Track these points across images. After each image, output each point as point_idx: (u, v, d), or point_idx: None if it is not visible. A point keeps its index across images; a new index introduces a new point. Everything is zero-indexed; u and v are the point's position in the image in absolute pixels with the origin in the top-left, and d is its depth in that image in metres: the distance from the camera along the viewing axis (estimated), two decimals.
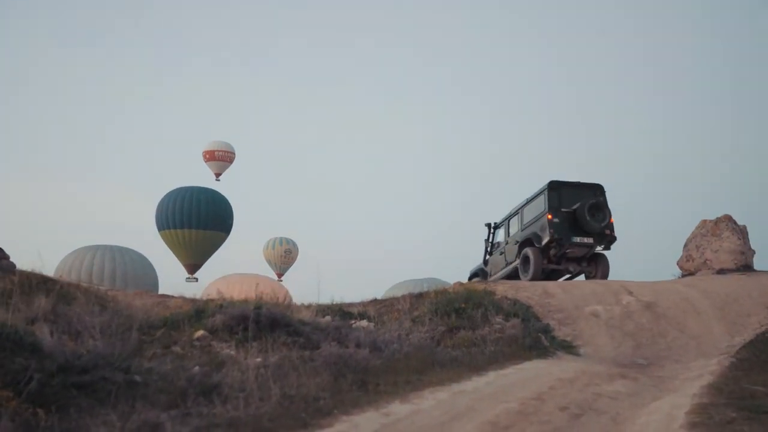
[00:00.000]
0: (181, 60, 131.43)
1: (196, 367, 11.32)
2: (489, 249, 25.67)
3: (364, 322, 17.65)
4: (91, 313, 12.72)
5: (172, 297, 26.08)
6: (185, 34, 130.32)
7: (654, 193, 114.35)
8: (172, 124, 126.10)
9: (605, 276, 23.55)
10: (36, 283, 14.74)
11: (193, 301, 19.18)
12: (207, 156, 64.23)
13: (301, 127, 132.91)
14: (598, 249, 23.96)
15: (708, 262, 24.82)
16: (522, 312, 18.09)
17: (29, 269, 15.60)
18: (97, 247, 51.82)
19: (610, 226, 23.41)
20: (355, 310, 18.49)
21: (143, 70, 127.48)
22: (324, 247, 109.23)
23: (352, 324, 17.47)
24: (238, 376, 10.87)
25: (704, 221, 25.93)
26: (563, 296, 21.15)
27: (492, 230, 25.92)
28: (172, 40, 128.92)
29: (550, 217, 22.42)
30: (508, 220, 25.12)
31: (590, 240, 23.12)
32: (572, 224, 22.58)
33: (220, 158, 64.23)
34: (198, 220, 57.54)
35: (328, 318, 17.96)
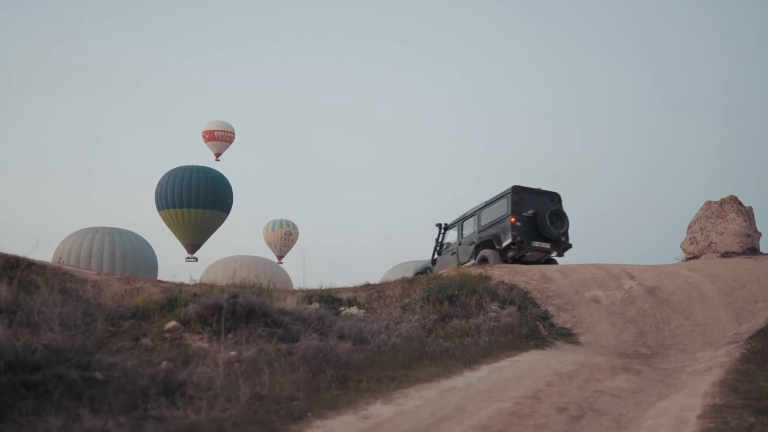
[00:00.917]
0: (181, 40, 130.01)
1: (164, 362, 10.26)
2: (438, 248, 25.89)
3: (353, 309, 16.63)
4: (52, 303, 11.57)
5: (167, 282, 25.19)
6: (184, 13, 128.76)
7: (656, 173, 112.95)
8: (172, 105, 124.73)
9: None
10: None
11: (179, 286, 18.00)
12: (206, 136, 63.23)
13: (302, 109, 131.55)
14: (553, 255, 24.50)
15: (713, 244, 23.82)
16: (519, 299, 17.07)
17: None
18: (96, 229, 51.15)
19: (567, 234, 24.04)
20: (344, 296, 17.40)
21: (142, 51, 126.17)
22: (325, 229, 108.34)
23: (341, 311, 16.48)
24: (206, 373, 9.78)
25: (709, 202, 24.92)
26: (562, 281, 20.15)
27: (442, 231, 26.20)
28: (172, 19, 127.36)
29: (513, 220, 22.77)
30: (462, 222, 25.36)
31: (548, 245, 23.59)
32: (533, 229, 23.00)
33: (220, 138, 63.19)
34: (197, 200, 56.55)
35: (315, 305, 16.95)
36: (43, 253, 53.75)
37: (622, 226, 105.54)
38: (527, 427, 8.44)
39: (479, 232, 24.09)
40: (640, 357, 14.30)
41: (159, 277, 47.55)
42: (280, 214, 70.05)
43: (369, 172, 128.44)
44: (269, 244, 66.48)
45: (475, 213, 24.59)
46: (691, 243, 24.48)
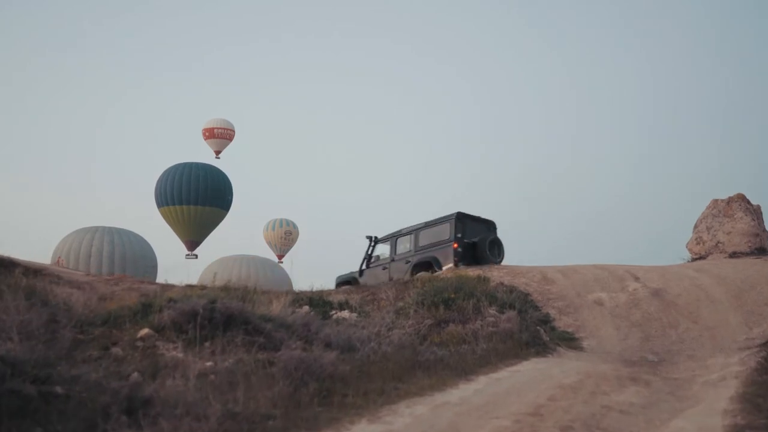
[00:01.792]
0: (181, 39, 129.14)
1: (135, 374, 9.32)
2: (367, 261, 25.62)
3: (345, 313, 15.68)
4: (14, 310, 10.58)
5: (156, 284, 24.24)
6: (184, 13, 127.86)
7: (660, 170, 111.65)
8: (172, 104, 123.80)
9: None
10: None
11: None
12: (206, 134, 62.34)
13: (303, 108, 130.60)
14: None
15: (720, 244, 22.81)
16: (519, 302, 16.01)
17: None
18: (95, 229, 50.47)
19: (502, 261, 23.94)
20: (336, 299, 16.41)
21: (142, 50, 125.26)
22: (325, 228, 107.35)
23: (332, 315, 15.51)
24: (177, 387, 8.78)
25: (715, 201, 23.91)
26: (564, 282, 19.21)
27: (373, 244, 25.92)
28: (172, 18, 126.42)
29: (456, 246, 22.94)
30: (396, 239, 25.21)
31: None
32: (471, 255, 23.19)
33: (220, 135, 62.26)
34: (197, 197, 55.73)
35: (306, 308, 15.99)
36: (43, 253, 53.12)
37: (625, 225, 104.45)
38: None
39: (416, 252, 24.18)
40: (647, 364, 13.34)
41: (159, 276, 47.13)
42: (281, 213, 69.31)
43: (368, 171, 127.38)
44: (269, 243, 65.82)
45: (413, 232, 24.69)
46: (698, 243, 23.49)
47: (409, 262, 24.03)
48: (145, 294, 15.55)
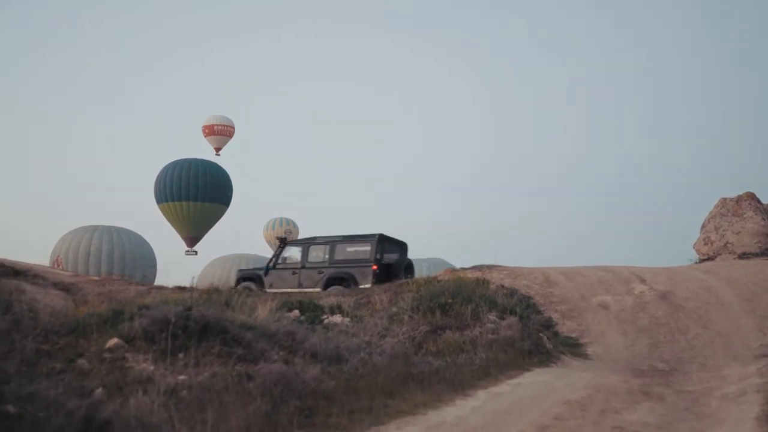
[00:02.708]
0: (182, 37, 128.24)
1: (99, 390, 8.33)
2: (276, 262, 25.27)
3: (337, 318, 14.67)
4: None
5: (146, 285, 23.30)
6: (184, 13, 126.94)
7: (665, 168, 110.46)
8: (173, 102, 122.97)
9: None
10: None
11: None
12: (206, 131, 61.66)
13: (303, 107, 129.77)
14: None
15: (729, 245, 21.81)
16: (521, 307, 14.95)
17: None
18: (95, 228, 50.35)
19: None
20: (328, 303, 15.37)
21: (142, 49, 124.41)
22: (325, 227, 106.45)
23: (324, 320, 14.48)
24: (143, 406, 7.74)
25: (724, 199, 22.90)
26: (567, 285, 18.23)
27: (283, 245, 25.88)
28: (172, 18, 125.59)
29: (375, 267, 23.12)
30: (309, 245, 25.13)
31: None
32: (387, 276, 23.01)
33: (220, 132, 61.57)
34: (196, 192, 55.23)
35: (295, 313, 14.98)
36: (42, 252, 52.25)
37: (630, 225, 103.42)
38: None
39: (331, 264, 24.11)
40: (657, 374, 12.36)
41: (158, 275, 46.37)
42: (281, 212, 68.76)
43: (368, 170, 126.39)
44: (269, 242, 65.27)
45: (329, 243, 24.65)
46: (705, 243, 22.50)
47: (323, 273, 24.02)
48: (121, 299, 14.50)
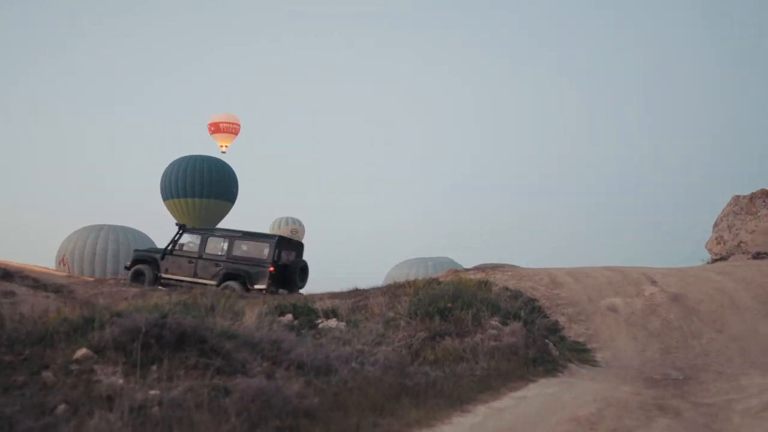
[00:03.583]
0: (186, 36, 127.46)
1: (62, 406, 7.50)
2: (172, 248, 25.36)
3: (332, 322, 13.80)
4: None
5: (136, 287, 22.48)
6: (185, 13, 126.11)
7: (675, 165, 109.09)
8: (179, 100, 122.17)
9: None
10: None
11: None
12: (212, 128, 61.51)
13: (308, 105, 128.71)
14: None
15: (743, 244, 20.87)
16: (525, 311, 13.99)
17: None
18: (101, 227, 49.82)
19: (305, 285, 25.51)
20: (323, 306, 14.46)
21: (146, 47, 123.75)
22: (331, 227, 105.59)
23: (318, 324, 13.59)
24: (104, 426, 6.86)
25: (737, 197, 21.95)
26: (574, 286, 17.33)
27: (182, 231, 25.99)
28: (173, 18, 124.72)
29: (272, 269, 23.76)
30: (207, 236, 25.44)
31: (286, 290, 24.43)
32: (282, 277, 24.22)
33: (226, 130, 61.34)
34: (201, 189, 54.94)
35: (289, 317, 14.10)
36: (47, 252, 51.49)
37: (639, 224, 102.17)
38: None
39: (228, 259, 24.45)
40: (671, 384, 11.41)
41: None
42: (287, 211, 68.25)
43: (373, 169, 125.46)
44: None
45: (228, 237, 25.05)
46: (718, 242, 21.58)
47: (220, 266, 24.30)
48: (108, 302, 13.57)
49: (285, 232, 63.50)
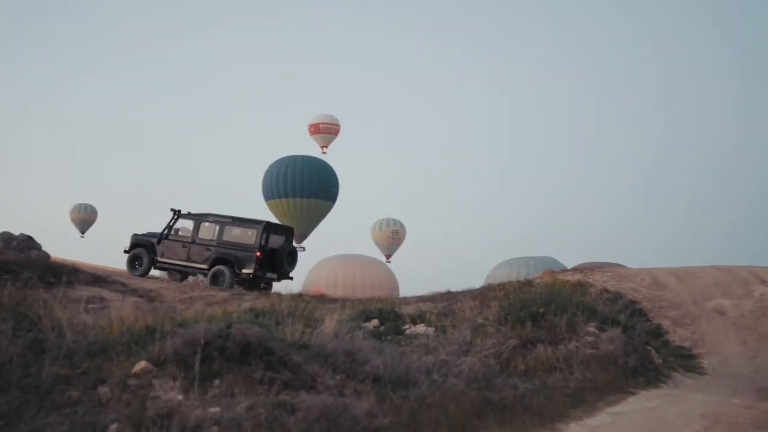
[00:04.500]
0: (290, 35, 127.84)
1: (114, 425, 6.87)
2: (168, 232, 25.51)
3: (420, 328, 12.90)
4: None
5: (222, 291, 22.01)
6: (299, 10, 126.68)
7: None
8: (279, 100, 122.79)
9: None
10: None
11: None
12: (312, 129, 61.44)
13: (410, 106, 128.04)
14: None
15: None
16: (625, 314, 12.84)
17: None
18: None
19: (294, 269, 26.18)
20: (410, 311, 13.62)
21: (247, 48, 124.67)
22: (433, 227, 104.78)
23: (405, 330, 12.75)
24: None
25: None
26: (678, 287, 16.25)
27: (176, 217, 25.83)
28: (280, 12, 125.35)
29: (259, 254, 24.00)
30: (201, 221, 25.41)
31: (275, 275, 25.11)
32: (270, 262, 24.46)
33: (325, 131, 61.19)
34: (302, 189, 54.63)
35: (374, 322, 13.27)
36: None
37: (746, 221, 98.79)
38: None
39: (219, 244, 24.67)
40: None
41: None
42: (388, 212, 67.72)
43: (477, 166, 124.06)
44: (377, 243, 64.06)
45: (218, 222, 25.17)
46: None
47: (210, 251, 24.52)
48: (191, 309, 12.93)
49: (386, 233, 63.09)
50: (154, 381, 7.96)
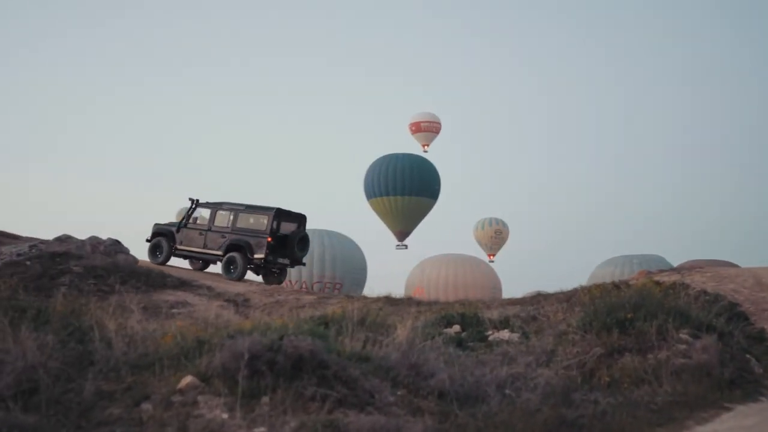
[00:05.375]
0: (393, 36, 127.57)
1: None
2: (186, 221, 26.04)
3: (504, 334, 12.01)
4: (35, 350, 7.64)
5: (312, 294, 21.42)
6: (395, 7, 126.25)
7: None
8: (380, 100, 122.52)
9: (282, 282, 26.52)
10: None
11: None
12: (413, 128, 62.26)
13: (511, 104, 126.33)
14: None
15: None
16: (723, 319, 11.63)
17: None
18: (311, 231, 49.47)
19: (306, 255, 26.87)
20: (491, 316, 12.73)
21: (346, 48, 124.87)
22: (536, 224, 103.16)
23: (488, 336, 11.91)
24: None
25: None
26: None
27: (194, 206, 26.33)
28: (383, 13, 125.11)
29: (270, 240, 24.28)
30: (217, 210, 25.85)
31: (287, 261, 25.53)
32: (282, 247, 24.78)
33: (426, 129, 62.00)
34: (403, 186, 54.89)
35: (456, 328, 12.46)
36: None
37: None
38: None
39: (233, 231, 25.09)
40: None
41: (368, 276, 45.47)
42: (490, 211, 67.25)
43: (581, 163, 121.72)
44: (479, 242, 63.70)
45: (233, 210, 25.52)
46: None
47: (225, 238, 24.97)
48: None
49: (489, 232, 62.55)
50: (200, 398, 7.30)
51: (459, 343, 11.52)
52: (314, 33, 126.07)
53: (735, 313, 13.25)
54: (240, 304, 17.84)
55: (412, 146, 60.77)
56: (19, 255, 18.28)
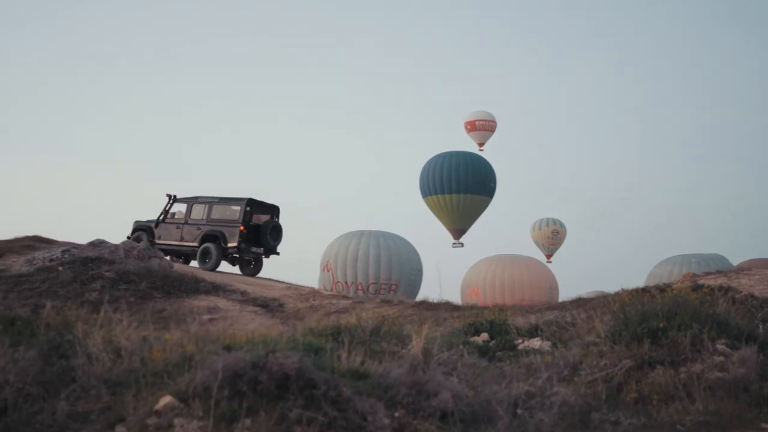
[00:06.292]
0: (441, 34, 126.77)
1: None
2: (164, 216, 26.92)
3: (536, 342, 11.18)
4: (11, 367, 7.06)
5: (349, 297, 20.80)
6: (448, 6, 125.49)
7: None
8: (436, 98, 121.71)
9: (257, 273, 26.91)
10: None
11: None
12: (468, 127, 62.42)
13: (568, 103, 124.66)
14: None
15: None
16: (766, 327, 10.57)
17: None
18: (361, 233, 49.51)
19: (279, 244, 27.23)
20: (519, 324, 11.90)
21: (403, 48, 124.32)
22: (594, 224, 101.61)
23: (518, 344, 11.11)
24: None
25: None
26: None
27: (171, 201, 27.15)
28: (435, 13, 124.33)
29: (242, 228, 25.31)
30: (193, 203, 26.81)
31: (261, 250, 26.50)
32: (255, 237, 25.93)
33: (482, 128, 61.94)
34: (458, 185, 54.58)
35: (484, 335, 11.68)
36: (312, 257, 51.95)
37: None
38: None
39: (207, 222, 26.09)
40: None
41: (423, 278, 44.96)
42: (547, 211, 66.76)
43: (640, 162, 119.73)
44: (537, 243, 63.28)
45: (207, 203, 26.45)
46: None
47: (200, 229, 26.04)
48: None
49: (545, 233, 62.03)
50: (176, 420, 6.56)
51: (485, 352, 10.70)
52: (367, 29, 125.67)
53: None
54: (274, 309, 17.25)
55: (467, 145, 60.41)
56: (51, 260, 17.96)
